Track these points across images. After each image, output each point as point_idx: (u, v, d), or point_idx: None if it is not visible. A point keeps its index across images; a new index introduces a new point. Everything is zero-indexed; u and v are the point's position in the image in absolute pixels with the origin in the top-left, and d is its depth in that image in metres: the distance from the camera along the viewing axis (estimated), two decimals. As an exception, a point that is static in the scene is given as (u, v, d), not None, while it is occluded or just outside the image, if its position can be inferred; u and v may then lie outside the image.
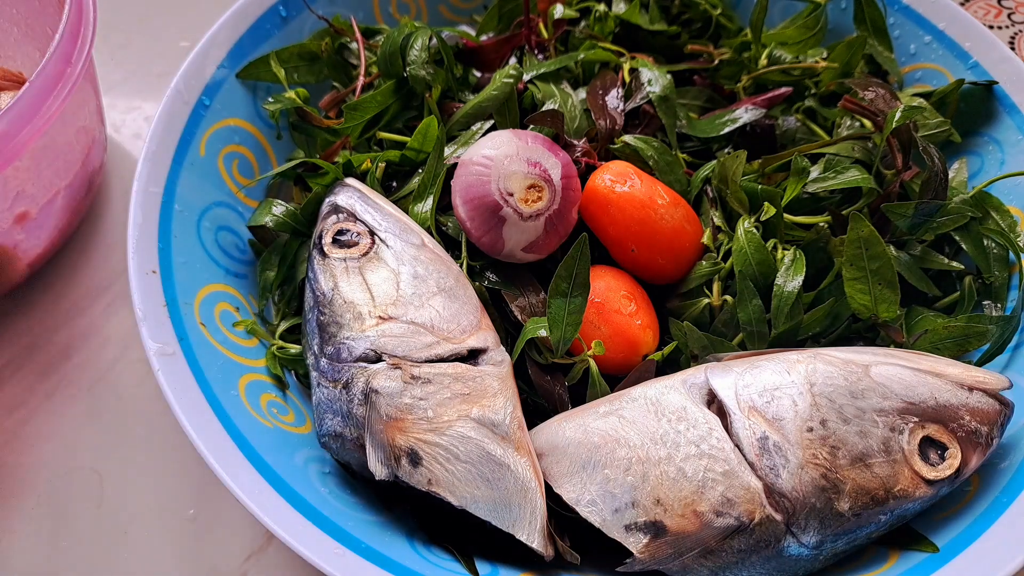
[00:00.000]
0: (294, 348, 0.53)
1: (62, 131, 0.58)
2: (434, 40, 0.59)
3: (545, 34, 0.63)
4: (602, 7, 0.64)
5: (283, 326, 0.54)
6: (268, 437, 0.48)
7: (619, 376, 0.50)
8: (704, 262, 0.53)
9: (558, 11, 0.63)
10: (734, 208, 0.54)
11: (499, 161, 0.50)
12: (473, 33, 0.66)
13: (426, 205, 0.54)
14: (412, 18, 0.68)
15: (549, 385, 0.50)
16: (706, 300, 0.52)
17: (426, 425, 0.45)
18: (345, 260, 0.50)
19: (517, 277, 0.52)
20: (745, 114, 0.58)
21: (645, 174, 0.53)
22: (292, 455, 0.48)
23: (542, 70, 0.59)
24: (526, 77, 0.59)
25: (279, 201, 0.56)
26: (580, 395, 0.51)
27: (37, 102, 0.52)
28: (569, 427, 0.47)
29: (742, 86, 0.62)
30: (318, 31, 0.63)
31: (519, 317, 0.51)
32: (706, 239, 0.53)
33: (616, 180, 0.52)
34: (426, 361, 0.47)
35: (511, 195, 0.49)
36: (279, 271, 0.55)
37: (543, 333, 0.49)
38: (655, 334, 0.51)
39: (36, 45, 0.67)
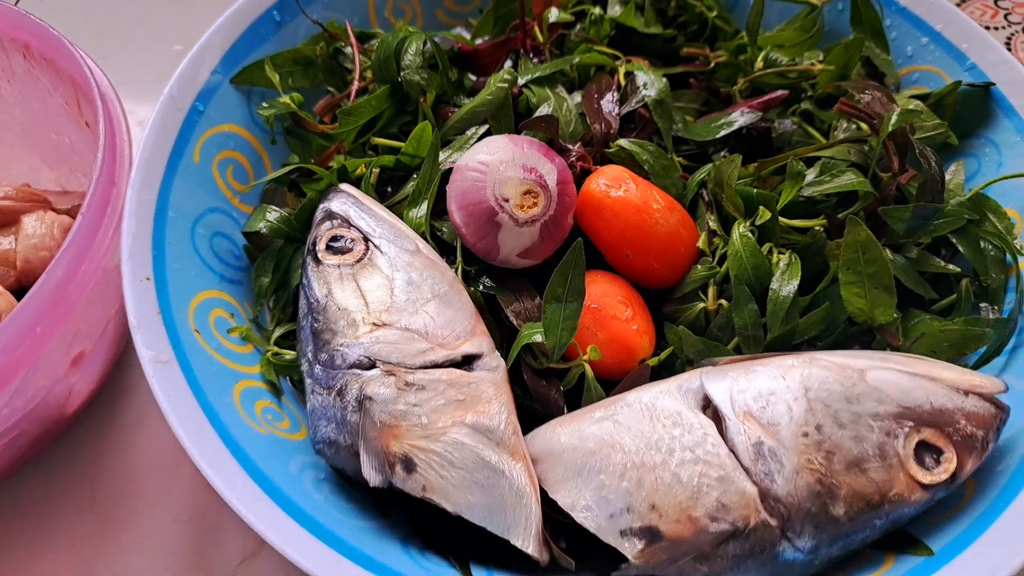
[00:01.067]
0: (289, 354, 0.53)
1: (115, 255, 0.50)
2: (428, 44, 0.59)
3: (540, 38, 0.63)
4: (597, 10, 0.64)
5: (278, 332, 0.54)
6: (263, 444, 0.47)
7: (615, 381, 0.50)
8: (699, 266, 0.53)
9: (553, 15, 0.63)
10: (729, 212, 0.53)
11: (495, 167, 0.49)
12: (469, 37, 0.66)
13: (421, 210, 0.53)
14: (408, 22, 0.68)
15: (544, 390, 0.50)
16: (701, 304, 0.52)
17: (420, 432, 0.45)
18: (339, 267, 0.50)
19: (512, 282, 0.52)
20: (741, 117, 0.58)
21: (640, 178, 0.53)
22: (287, 462, 0.48)
23: (537, 74, 0.59)
24: (521, 81, 0.59)
25: (273, 207, 0.56)
26: (576, 400, 0.50)
27: (90, 234, 0.46)
28: (564, 432, 0.47)
29: (738, 89, 0.61)
30: (313, 36, 0.62)
31: (514, 322, 0.51)
32: (701, 243, 0.53)
33: (611, 185, 0.52)
34: (420, 367, 0.47)
35: (507, 201, 0.49)
36: (274, 277, 0.55)
37: (538, 338, 0.48)
38: (651, 339, 0.51)
39: (37, 151, 0.62)
